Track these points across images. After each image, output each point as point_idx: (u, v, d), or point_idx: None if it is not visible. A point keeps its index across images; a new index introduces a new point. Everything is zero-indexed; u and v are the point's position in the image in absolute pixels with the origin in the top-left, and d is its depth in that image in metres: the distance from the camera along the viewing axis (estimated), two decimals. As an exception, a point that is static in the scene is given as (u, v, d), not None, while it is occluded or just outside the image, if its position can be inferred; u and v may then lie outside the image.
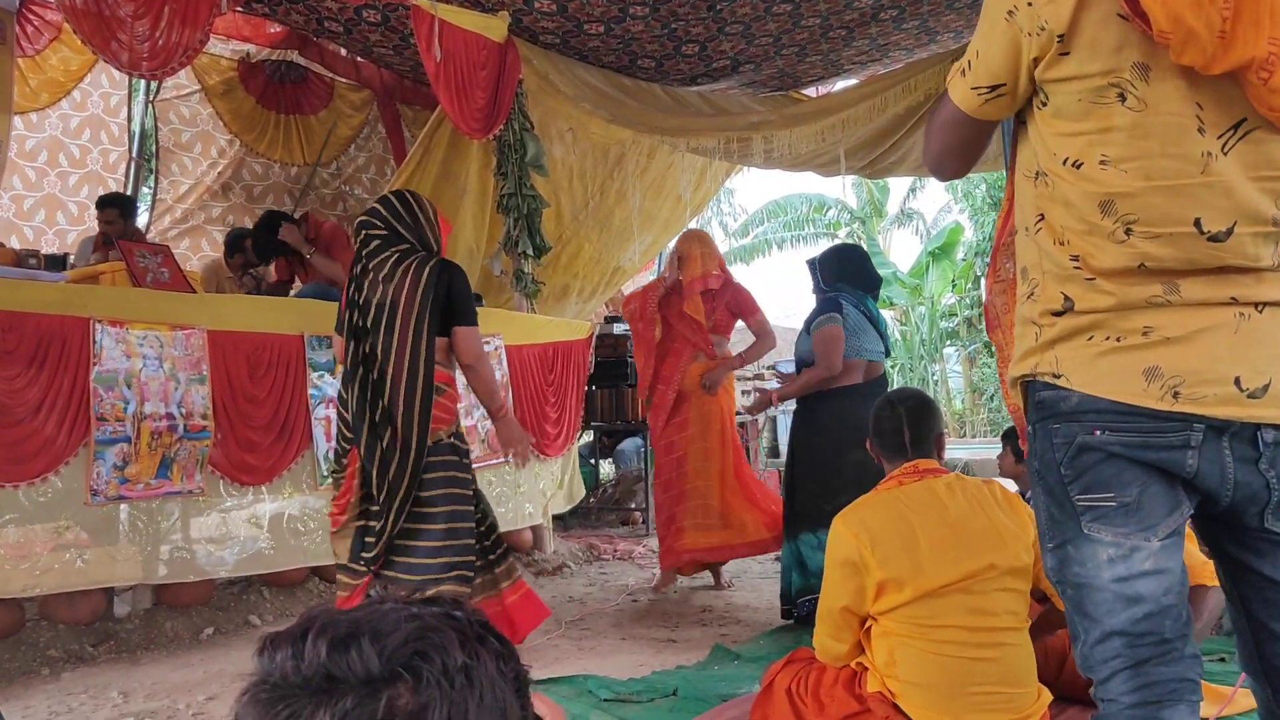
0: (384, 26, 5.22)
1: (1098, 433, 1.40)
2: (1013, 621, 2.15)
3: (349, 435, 3.13)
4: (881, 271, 6.66)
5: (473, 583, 3.18)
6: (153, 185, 7.16)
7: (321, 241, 5.15)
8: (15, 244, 5.95)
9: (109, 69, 5.98)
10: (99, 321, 3.55)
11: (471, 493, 3.23)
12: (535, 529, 5.54)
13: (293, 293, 5.33)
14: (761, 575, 5.22)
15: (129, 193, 6.45)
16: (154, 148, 7.06)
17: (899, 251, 34.10)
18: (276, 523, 4.08)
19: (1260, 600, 1.44)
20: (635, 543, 6.15)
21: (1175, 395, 1.35)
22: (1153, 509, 1.39)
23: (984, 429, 16.80)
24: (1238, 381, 1.34)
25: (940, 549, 2.11)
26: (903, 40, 5.44)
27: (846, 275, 4.10)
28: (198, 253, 6.98)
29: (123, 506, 3.62)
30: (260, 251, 5.30)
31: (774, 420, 9.46)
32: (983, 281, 16.34)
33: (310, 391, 4.18)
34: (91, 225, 6.20)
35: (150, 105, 6.80)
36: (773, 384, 5.80)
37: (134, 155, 6.79)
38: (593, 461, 7.86)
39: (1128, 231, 1.37)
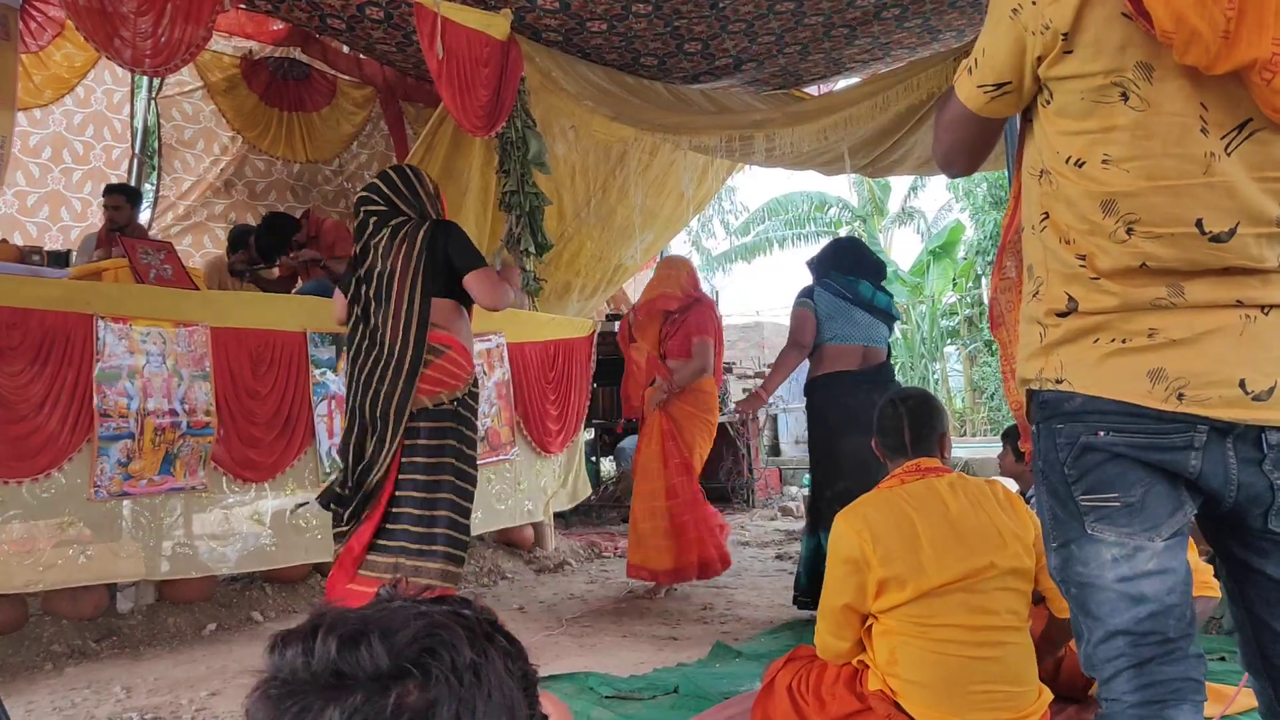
0: (387, 24, 5.21)
1: (1101, 434, 1.40)
2: (1013, 621, 2.15)
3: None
4: (882, 270, 6.65)
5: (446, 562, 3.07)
6: (155, 182, 7.17)
7: (324, 240, 5.15)
8: (19, 240, 5.95)
9: (112, 65, 5.98)
10: (102, 318, 3.56)
11: (473, 454, 3.20)
12: (536, 526, 5.55)
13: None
14: (762, 574, 5.23)
15: (132, 189, 6.46)
16: (157, 144, 7.07)
17: (900, 250, 34.07)
18: (279, 519, 4.09)
19: (1263, 600, 1.45)
20: (636, 540, 6.15)
21: (1180, 397, 1.35)
22: (1156, 509, 1.39)
23: (984, 428, 16.82)
24: (1243, 384, 1.34)
25: (941, 548, 2.11)
26: (905, 39, 5.44)
27: (841, 265, 4.14)
28: (200, 249, 6.99)
29: (126, 502, 3.63)
30: (264, 252, 5.32)
31: (774, 420, 9.48)
32: (984, 280, 16.34)
33: (313, 388, 4.19)
34: (95, 221, 6.21)
35: (153, 102, 6.81)
36: None
37: (137, 152, 6.81)
38: (593, 459, 7.86)
39: (1129, 231, 1.37)
